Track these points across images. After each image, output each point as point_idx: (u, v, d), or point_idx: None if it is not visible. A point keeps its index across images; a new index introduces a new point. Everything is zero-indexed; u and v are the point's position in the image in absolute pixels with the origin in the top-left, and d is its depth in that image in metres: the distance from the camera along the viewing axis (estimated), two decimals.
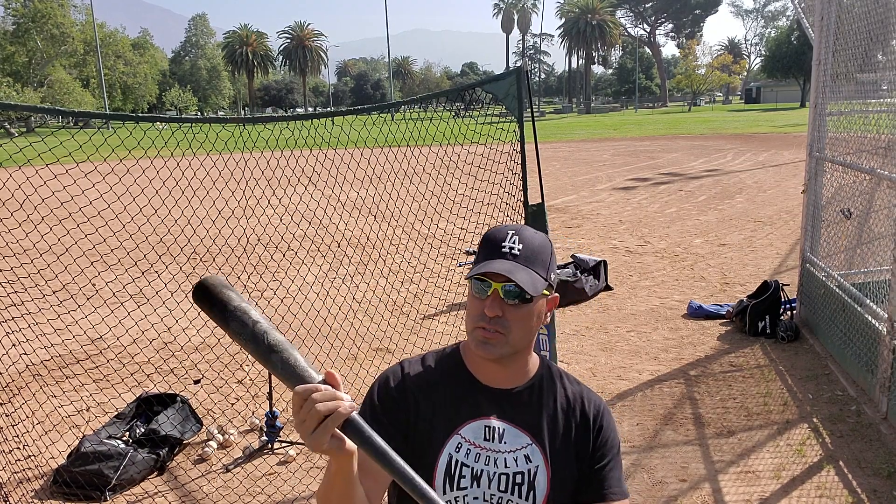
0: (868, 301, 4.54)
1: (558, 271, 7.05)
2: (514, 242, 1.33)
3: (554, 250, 1.41)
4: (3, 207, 3.55)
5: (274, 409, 4.05)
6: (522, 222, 3.74)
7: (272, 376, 4.15)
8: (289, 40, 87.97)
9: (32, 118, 42.37)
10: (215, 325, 1.12)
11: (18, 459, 3.70)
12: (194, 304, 1.11)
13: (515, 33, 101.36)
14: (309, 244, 7.71)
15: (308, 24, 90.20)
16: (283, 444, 4.10)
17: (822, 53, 5.46)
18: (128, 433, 4.00)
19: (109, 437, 3.89)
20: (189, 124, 3.39)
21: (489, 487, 1.36)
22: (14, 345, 3.65)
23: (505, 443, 1.37)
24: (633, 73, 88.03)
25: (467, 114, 5.00)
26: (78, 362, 5.28)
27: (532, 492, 1.36)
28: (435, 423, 1.39)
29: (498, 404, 1.40)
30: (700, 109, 70.19)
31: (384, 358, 5.47)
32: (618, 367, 5.24)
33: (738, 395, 4.65)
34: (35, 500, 3.60)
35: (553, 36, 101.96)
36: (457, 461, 1.37)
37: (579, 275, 7.13)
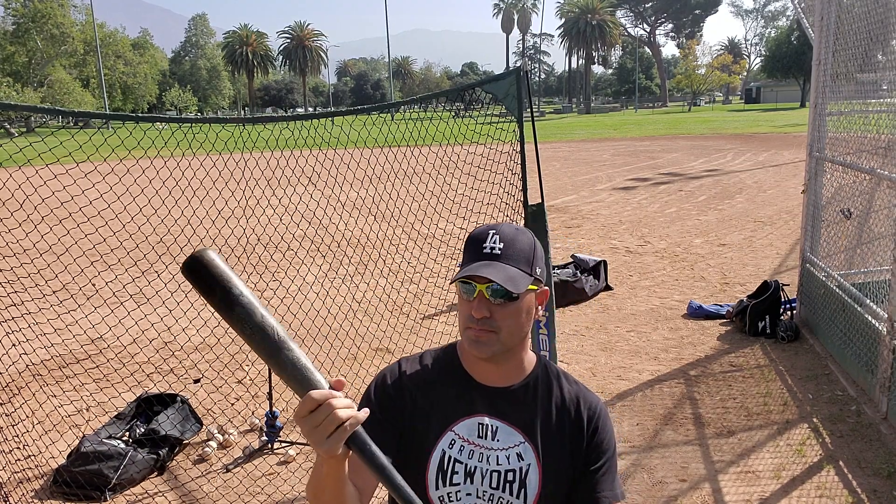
0: (868, 301, 4.54)
1: (557, 271, 7.10)
2: (494, 242, 1.34)
3: (538, 244, 1.40)
4: (3, 207, 3.55)
5: (274, 409, 4.05)
6: (522, 222, 3.74)
7: (272, 376, 4.16)
8: (289, 40, 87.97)
9: (32, 118, 42.36)
10: (215, 312, 1.03)
11: (18, 459, 3.70)
12: (190, 283, 1.02)
13: (515, 33, 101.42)
14: (309, 244, 7.71)
15: (308, 24, 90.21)
16: (283, 444, 4.10)
17: (822, 53, 5.46)
18: (128, 433, 4.00)
19: (109, 437, 3.89)
20: (189, 124, 3.40)
21: (482, 484, 1.37)
22: (14, 344, 3.65)
23: (498, 440, 1.38)
24: (633, 73, 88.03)
25: (467, 114, 4.99)
26: (78, 362, 5.28)
27: (523, 490, 1.36)
28: (430, 420, 1.41)
29: (492, 402, 1.41)
30: (700, 109, 70.20)
31: (384, 358, 5.47)
32: (618, 367, 5.24)
33: (738, 395, 4.65)
34: (35, 500, 3.60)
35: (553, 36, 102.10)
36: (450, 457, 1.38)
37: (579, 275, 7.13)
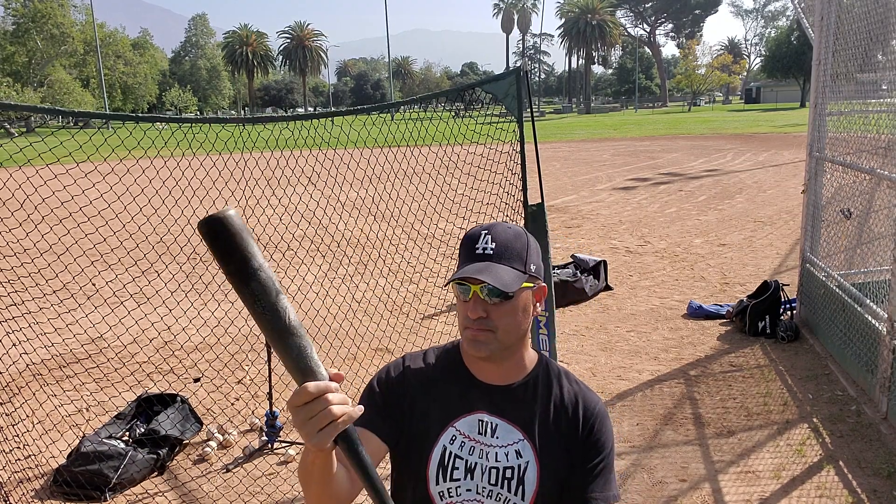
0: (868, 301, 4.54)
1: (557, 271, 7.10)
2: (486, 242, 1.35)
3: (532, 240, 1.40)
4: (3, 207, 3.55)
5: (274, 409, 4.05)
6: (522, 222, 3.74)
7: (272, 376, 4.16)
8: (289, 40, 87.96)
9: (32, 118, 42.36)
10: (227, 281, 0.97)
11: (18, 459, 3.70)
12: (206, 245, 0.95)
13: (515, 33, 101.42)
14: (309, 244, 7.72)
15: (308, 24, 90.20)
16: (283, 444, 4.10)
17: (822, 53, 5.46)
18: (128, 433, 4.00)
19: (109, 437, 3.89)
20: (189, 124, 3.40)
21: (481, 480, 1.39)
22: (14, 344, 3.65)
23: (497, 437, 1.40)
24: (633, 73, 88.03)
25: (467, 114, 4.99)
26: (78, 361, 5.28)
27: (521, 487, 1.37)
28: (431, 416, 1.42)
29: (492, 400, 1.42)
30: (700, 109, 70.19)
31: (384, 358, 5.47)
32: (618, 367, 5.24)
33: (738, 395, 4.65)
34: (35, 500, 3.60)
35: (553, 36, 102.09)
36: (450, 453, 1.40)
37: (579, 275, 7.13)
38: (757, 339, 5.70)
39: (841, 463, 3.70)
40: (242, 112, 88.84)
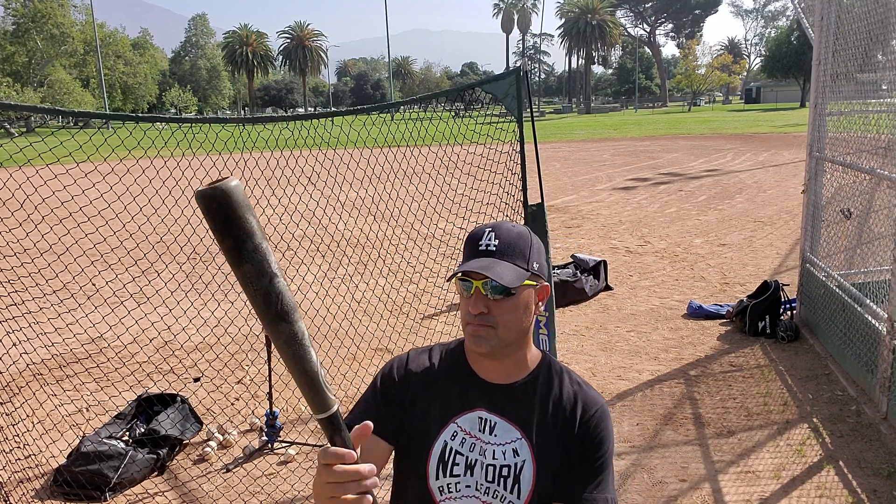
0: (868, 301, 4.54)
1: (557, 271, 7.10)
2: (490, 239, 1.37)
3: (536, 240, 1.42)
4: (3, 207, 3.55)
5: (274, 408, 4.05)
6: (522, 222, 3.74)
7: (272, 375, 4.16)
8: (289, 40, 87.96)
9: (32, 118, 42.36)
10: (223, 255, 0.94)
11: (18, 459, 3.70)
12: (204, 216, 0.91)
13: (515, 33, 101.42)
14: (308, 244, 7.72)
15: (308, 24, 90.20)
16: (283, 444, 4.10)
17: (822, 53, 5.46)
18: (128, 433, 4.00)
19: (109, 437, 3.89)
20: (189, 124, 3.40)
21: (480, 477, 1.40)
22: (14, 344, 3.66)
23: (495, 435, 1.41)
24: (633, 73, 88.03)
25: (467, 114, 4.99)
26: (78, 361, 5.28)
27: (517, 485, 1.38)
28: (432, 413, 1.44)
29: (492, 398, 1.43)
30: (700, 109, 70.19)
31: (384, 358, 5.47)
32: (618, 367, 5.24)
33: (738, 395, 4.65)
34: (35, 500, 3.60)
35: (553, 36, 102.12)
36: (451, 449, 1.41)
37: (579, 275, 7.13)
38: (757, 339, 5.70)
39: (841, 463, 3.70)
40: (242, 112, 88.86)
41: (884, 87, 4.60)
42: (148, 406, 4.19)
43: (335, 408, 1.07)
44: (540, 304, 1.43)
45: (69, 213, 3.70)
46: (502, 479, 1.38)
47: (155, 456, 3.86)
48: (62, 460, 3.80)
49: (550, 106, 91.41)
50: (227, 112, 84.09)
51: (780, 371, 5.03)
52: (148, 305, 6.22)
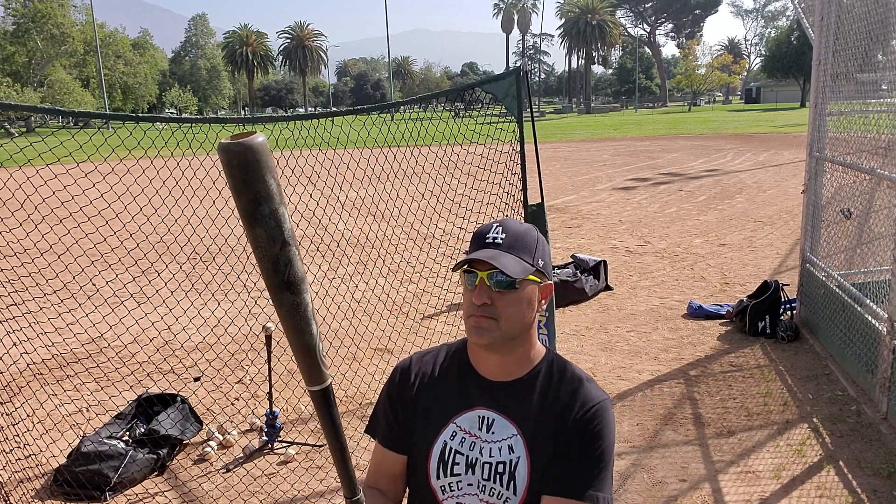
0: (868, 301, 4.54)
1: (557, 271, 7.10)
2: (497, 233, 1.39)
3: (542, 238, 1.44)
4: (3, 207, 3.55)
5: (274, 408, 4.05)
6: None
7: (272, 375, 4.16)
8: (289, 40, 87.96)
9: (32, 118, 42.36)
10: (238, 211, 0.91)
11: (18, 459, 3.70)
12: (224, 171, 0.88)
13: (515, 33, 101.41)
14: (309, 244, 7.71)
15: (308, 24, 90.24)
16: (283, 444, 4.10)
17: (822, 53, 5.46)
18: (128, 433, 4.00)
19: (109, 437, 3.89)
20: (189, 124, 3.40)
21: (480, 475, 1.41)
22: (15, 344, 3.66)
23: (493, 433, 1.42)
24: (633, 73, 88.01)
25: (467, 114, 5.00)
26: (78, 361, 5.29)
27: (513, 482, 1.39)
28: (433, 412, 1.47)
29: (492, 396, 1.44)
30: (700, 109, 70.18)
31: (384, 358, 5.47)
32: (618, 367, 5.24)
33: (738, 395, 4.65)
34: (35, 500, 3.60)
35: (553, 36, 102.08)
36: (451, 448, 1.44)
37: (579, 275, 7.13)
38: (757, 339, 5.70)
39: (841, 463, 3.70)
40: (242, 112, 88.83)
41: (884, 87, 4.60)
42: (148, 406, 4.19)
43: (328, 382, 1.11)
44: (543, 301, 1.44)
45: (69, 213, 3.70)
46: (498, 476, 1.40)
47: (155, 456, 3.86)
48: (62, 460, 3.80)
49: (550, 106, 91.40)
50: (227, 112, 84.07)
51: (780, 371, 5.03)
52: (148, 305, 6.21)
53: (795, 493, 3.46)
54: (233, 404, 4.70)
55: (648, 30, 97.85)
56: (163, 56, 79.35)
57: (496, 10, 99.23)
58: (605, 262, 7.51)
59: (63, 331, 4.18)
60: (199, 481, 3.80)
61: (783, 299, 5.88)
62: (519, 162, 3.83)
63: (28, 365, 4.58)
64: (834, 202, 5.54)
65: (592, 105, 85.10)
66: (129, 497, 3.66)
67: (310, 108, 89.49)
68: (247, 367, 5.39)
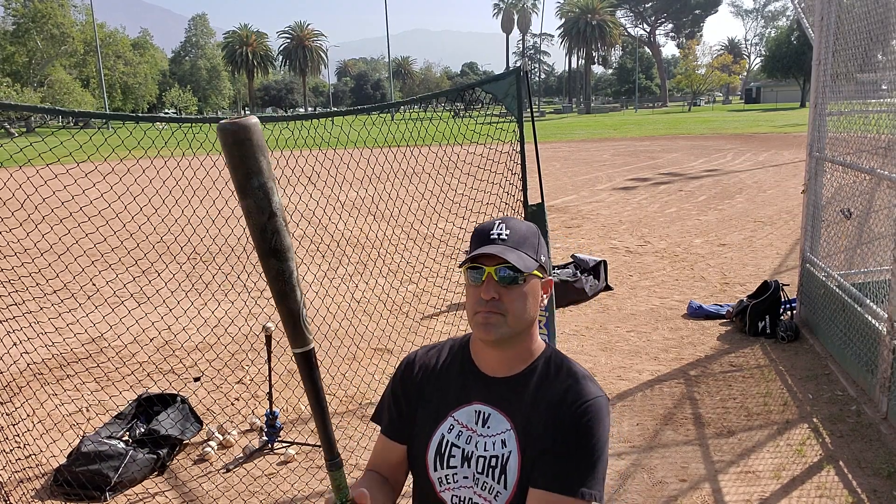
0: (868, 301, 4.54)
1: (557, 271, 7.10)
2: (501, 229, 1.42)
3: (542, 236, 1.48)
4: (3, 207, 3.55)
5: (274, 408, 4.05)
6: None
7: (272, 375, 4.16)
8: (289, 40, 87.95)
9: (32, 118, 42.35)
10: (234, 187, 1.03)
11: (18, 459, 3.70)
12: (221, 148, 1.02)
13: (515, 33, 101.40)
14: (309, 244, 7.71)
15: (308, 24, 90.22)
16: (283, 444, 4.10)
17: (822, 53, 5.46)
18: (128, 433, 4.00)
19: (109, 437, 3.89)
20: (189, 124, 3.40)
21: (475, 468, 1.44)
22: (15, 344, 3.65)
23: (488, 427, 1.45)
24: (633, 73, 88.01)
25: (467, 114, 4.99)
26: (78, 361, 5.29)
27: (504, 475, 1.41)
28: (433, 406, 1.51)
29: (490, 391, 1.46)
30: (700, 109, 70.17)
31: (384, 357, 5.47)
32: (618, 367, 5.24)
33: (738, 395, 4.65)
34: (35, 500, 3.60)
35: (553, 36, 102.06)
36: (448, 441, 1.47)
37: (579, 275, 7.13)
38: (757, 339, 5.70)
39: (841, 463, 3.70)
40: (242, 112, 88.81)
41: (884, 87, 4.60)
42: (148, 406, 4.19)
43: (310, 346, 1.21)
44: (544, 296, 1.47)
45: (69, 213, 3.70)
46: (491, 470, 1.42)
47: (155, 456, 3.86)
48: (62, 460, 3.80)
49: (550, 106, 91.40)
50: (227, 112, 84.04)
51: (780, 371, 5.03)
52: (148, 305, 6.21)
53: (795, 493, 3.46)
54: (233, 404, 4.70)
55: (648, 30, 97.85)
56: (163, 56, 79.35)
57: (496, 10, 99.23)
58: (605, 262, 7.51)
59: (63, 331, 4.19)
60: (199, 481, 3.80)
61: (783, 299, 5.88)
62: (519, 162, 3.83)
63: (28, 365, 4.58)
64: (834, 202, 5.54)
65: (592, 105, 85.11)
66: (129, 497, 3.66)
67: (310, 108, 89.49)
68: (247, 367, 5.39)
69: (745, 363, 5.23)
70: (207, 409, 4.62)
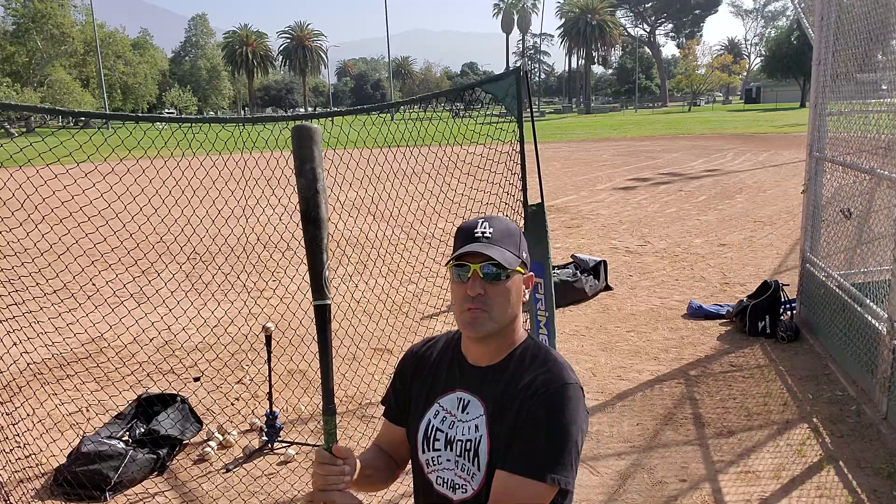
0: (868, 301, 4.54)
1: (557, 271, 7.10)
2: (484, 228, 1.48)
3: (522, 234, 1.56)
4: (3, 207, 3.55)
5: (274, 408, 4.05)
6: (522, 222, 3.74)
7: (272, 375, 4.16)
8: (289, 40, 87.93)
9: (32, 118, 42.33)
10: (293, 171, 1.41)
11: (18, 459, 3.70)
12: (293, 140, 1.42)
13: (515, 33, 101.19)
14: None
15: (308, 24, 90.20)
16: (283, 444, 4.10)
17: (822, 53, 5.46)
18: (128, 433, 4.00)
19: (109, 437, 3.89)
20: (189, 124, 3.40)
21: (456, 452, 1.53)
22: (15, 343, 3.65)
23: (467, 413, 1.52)
24: (633, 73, 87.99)
25: (467, 114, 4.99)
26: (78, 361, 5.29)
27: (477, 458, 1.49)
28: (422, 393, 1.61)
29: (472, 379, 1.54)
30: (700, 109, 70.17)
31: (384, 358, 5.47)
32: (618, 367, 5.24)
33: (738, 395, 4.65)
34: (35, 500, 3.60)
35: (553, 36, 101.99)
36: (433, 426, 1.56)
37: (579, 275, 7.13)
38: (757, 339, 5.70)
39: (841, 463, 3.70)
40: (242, 112, 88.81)
41: (884, 87, 4.60)
42: (148, 406, 4.19)
43: (328, 302, 1.44)
44: (526, 291, 1.53)
45: (69, 213, 3.70)
46: (467, 453, 1.50)
47: (155, 456, 3.86)
48: (62, 460, 3.80)
49: (550, 106, 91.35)
50: (227, 112, 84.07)
51: (780, 371, 5.03)
52: (148, 305, 6.21)
53: (795, 493, 3.46)
54: (233, 404, 4.70)
55: (648, 30, 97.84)
56: (163, 56, 79.29)
57: (496, 11, 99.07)
58: (605, 262, 7.51)
59: (63, 331, 4.19)
60: (199, 481, 3.80)
61: (783, 299, 5.88)
62: (519, 162, 3.82)
63: (28, 365, 4.58)
64: (834, 202, 5.54)
65: (592, 105, 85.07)
66: (129, 497, 3.66)
67: (310, 108, 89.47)
68: (247, 367, 5.39)
69: (745, 363, 5.23)
70: (207, 409, 4.62)
